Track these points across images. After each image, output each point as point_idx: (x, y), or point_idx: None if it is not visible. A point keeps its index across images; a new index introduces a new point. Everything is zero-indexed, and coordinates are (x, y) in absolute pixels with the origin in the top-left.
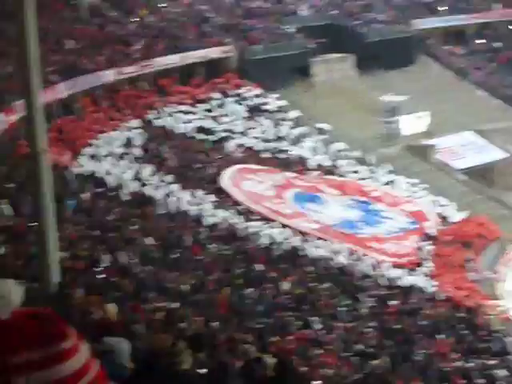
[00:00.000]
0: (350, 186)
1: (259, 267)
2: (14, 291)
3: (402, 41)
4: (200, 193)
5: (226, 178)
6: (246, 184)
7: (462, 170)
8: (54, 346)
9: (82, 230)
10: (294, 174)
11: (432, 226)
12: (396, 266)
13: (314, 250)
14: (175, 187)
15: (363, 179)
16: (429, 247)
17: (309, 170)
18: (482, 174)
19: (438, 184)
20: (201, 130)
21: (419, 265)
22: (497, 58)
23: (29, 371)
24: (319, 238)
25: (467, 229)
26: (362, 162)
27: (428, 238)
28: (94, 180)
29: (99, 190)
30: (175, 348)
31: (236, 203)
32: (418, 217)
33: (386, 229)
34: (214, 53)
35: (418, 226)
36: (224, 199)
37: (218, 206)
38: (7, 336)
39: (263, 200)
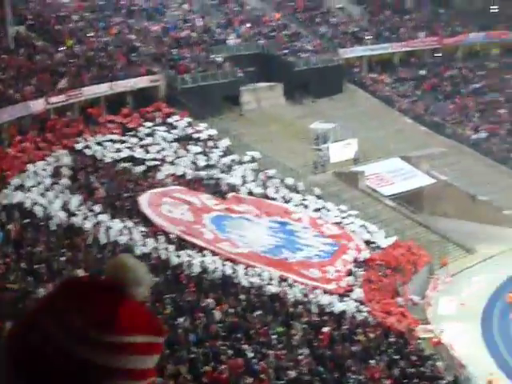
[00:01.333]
0: (271, 207)
1: (191, 296)
2: (148, 281)
3: (329, 69)
4: (130, 222)
5: (145, 204)
6: (164, 208)
7: (390, 196)
8: (156, 337)
9: (10, 262)
10: (211, 197)
11: (361, 252)
12: (327, 292)
13: (246, 277)
14: (104, 217)
15: (293, 205)
16: (359, 273)
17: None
18: (409, 200)
19: (367, 210)
20: (130, 159)
21: (350, 291)
22: (422, 86)
23: (133, 352)
24: (248, 266)
25: (396, 254)
26: (292, 189)
27: (358, 263)
28: (21, 211)
29: (27, 220)
30: None
31: (165, 232)
32: (345, 242)
33: (311, 254)
34: (142, 82)
35: (345, 251)
36: (153, 228)
37: (148, 235)
38: (123, 317)
39: (182, 225)
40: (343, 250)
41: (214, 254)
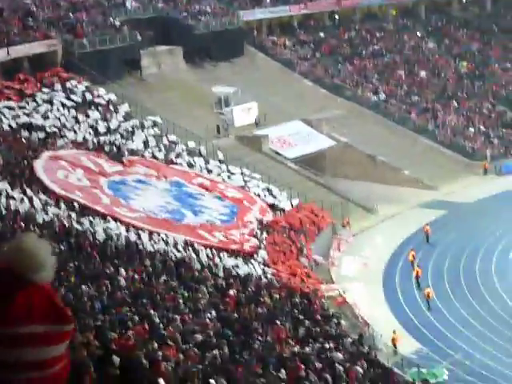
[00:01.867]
0: (171, 170)
1: (95, 263)
2: (51, 261)
3: (229, 33)
4: (29, 190)
5: (40, 169)
6: (60, 173)
7: (292, 158)
8: (59, 326)
9: None
10: (108, 160)
11: (265, 215)
12: (232, 255)
13: (150, 243)
14: (3, 185)
15: (196, 170)
16: (263, 235)
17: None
18: (311, 163)
19: (270, 173)
20: (29, 126)
21: (254, 253)
22: (321, 48)
23: (31, 343)
24: (150, 231)
25: (299, 216)
26: (194, 153)
27: (262, 226)
28: None
29: None
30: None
31: (68, 198)
32: (247, 205)
33: (213, 217)
34: (39, 47)
35: (248, 213)
36: (55, 195)
37: (49, 203)
38: (19, 306)
39: (79, 190)
40: (246, 212)
41: (113, 219)
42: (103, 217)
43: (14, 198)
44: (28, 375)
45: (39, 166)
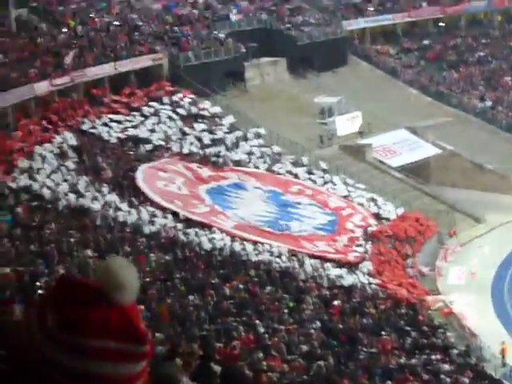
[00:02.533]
0: (268, 177)
1: (201, 274)
2: (134, 286)
3: (332, 42)
4: (136, 201)
5: (140, 180)
6: (160, 183)
7: (397, 167)
8: (136, 346)
9: (20, 245)
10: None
11: (370, 225)
12: (336, 265)
13: (254, 253)
14: (112, 197)
15: (299, 179)
16: (368, 245)
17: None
18: (416, 171)
19: (374, 182)
20: (135, 139)
21: (359, 263)
22: (426, 56)
23: (103, 357)
24: (253, 241)
25: (405, 225)
26: (297, 164)
27: (366, 236)
28: (29, 194)
29: (35, 203)
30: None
31: (167, 208)
32: (351, 215)
33: (314, 227)
34: (145, 61)
35: (351, 223)
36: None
37: (156, 214)
38: (95, 320)
39: (179, 199)
40: (347, 221)
41: (212, 228)
42: (207, 227)
43: (121, 209)
44: None
45: (139, 176)
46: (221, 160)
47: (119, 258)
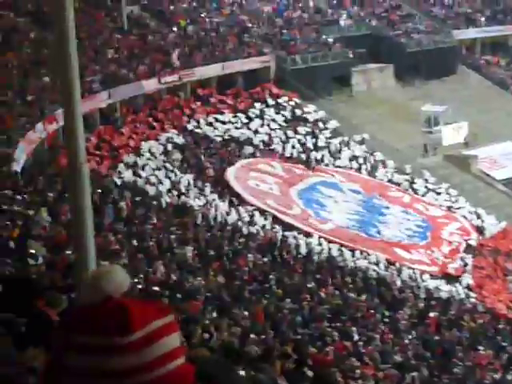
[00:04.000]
0: (366, 181)
1: (297, 277)
2: (126, 278)
3: (441, 51)
4: (237, 201)
5: (232, 179)
6: (252, 182)
7: (502, 180)
8: (168, 317)
9: (121, 240)
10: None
11: (471, 237)
12: (434, 276)
13: (351, 259)
14: (214, 196)
15: (400, 187)
16: (469, 258)
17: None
18: None
19: (478, 194)
20: (239, 140)
21: (459, 276)
22: None
23: (160, 336)
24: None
25: (507, 240)
26: (401, 172)
27: (468, 248)
28: (133, 189)
29: (138, 198)
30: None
31: (259, 208)
32: (452, 226)
33: (407, 235)
34: (253, 63)
35: (443, 233)
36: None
37: (256, 214)
38: (82, 317)
39: (271, 199)
40: (444, 231)
41: (304, 232)
42: (302, 230)
43: (221, 208)
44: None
45: (231, 174)
46: (320, 163)
47: (95, 271)
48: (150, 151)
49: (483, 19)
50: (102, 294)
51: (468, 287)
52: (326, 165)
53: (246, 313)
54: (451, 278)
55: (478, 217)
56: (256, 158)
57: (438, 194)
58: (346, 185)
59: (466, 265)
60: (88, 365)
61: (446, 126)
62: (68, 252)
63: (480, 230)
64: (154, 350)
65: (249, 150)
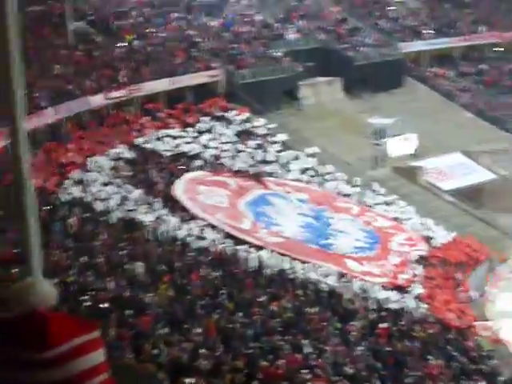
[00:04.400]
0: (315, 193)
1: (248, 291)
2: (52, 292)
3: (389, 64)
4: (188, 216)
5: (181, 193)
6: (202, 196)
7: (450, 191)
8: (91, 334)
9: (70, 256)
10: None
11: (420, 248)
12: (385, 287)
13: (302, 272)
14: (164, 212)
15: (348, 199)
16: (418, 269)
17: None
18: (470, 196)
19: (426, 205)
20: (188, 154)
21: (408, 286)
22: (483, 80)
23: (79, 354)
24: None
25: (456, 250)
26: (351, 184)
27: (417, 259)
28: (81, 205)
29: (87, 215)
30: (156, 377)
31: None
32: (399, 237)
33: (354, 246)
34: (201, 77)
35: (391, 244)
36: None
37: (206, 229)
38: (33, 333)
39: (221, 213)
40: (393, 243)
41: (255, 245)
42: (252, 244)
43: (171, 223)
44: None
45: (179, 188)
46: (271, 177)
47: (20, 284)
48: (97, 167)
49: (429, 32)
50: (25, 306)
51: (418, 298)
52: (277, 177)
53: (198, 328)
54: (402, 289)
55: (427, 228)
56: (204, 171)
57: (388, 205)
58: (295, 197)
59: (416, 275)
60: (10, 378)
61: (393, 138)
62: (15, 270)
63: (429, 241)
64: (77, 365)
65: (198, 164)
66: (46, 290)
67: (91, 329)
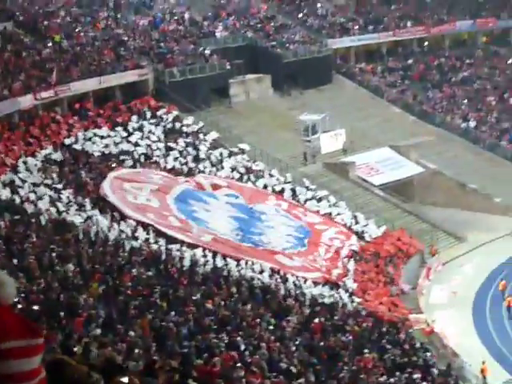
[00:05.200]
0: (243, 189)
1: (182, 289)
2: (12, 283)
3: (317, 60)
4: (119, 216)
5: (109, 193)
6: (129, 196)
7: (380, 185)
8: (34, 339)
9: (1, 258)
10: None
11: (352, 242)
12: (317, 282)
13: (236, 269)
14: (94, 212)
15: (284, 197)
16: (350, 263)
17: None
18: (399, 189)
19: (357, 200)
20: (119, 153)
21: (341, 281)
22: (410, 75)
23: (13, 356)
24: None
25: (387, 244)
26: (281, 180)
27: (348, 254)
28: (11, 207)
29: (17, 217)
30: (90, 379)
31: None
32: (332, 232)
33: (281, 238)
34: (130, 76)
35: (322, 238)
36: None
37: (138, 228)
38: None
39: (151, 212)
40: (323, 237)
41: (188, 244)
42: (183, 242)
43: (103, 223)
44: None
45: (106, 187)
46: (201, 174)
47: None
48: (27, 168)
49: (356, 28)
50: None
51: (351, 292)
52: (208, 175)
53: (132, 328)
54: (334, 284)
55: (358, 222)
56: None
57: (319, 200)
58: (225, 194)
59: (348, 270)
60: None
61: (323, 134)
62: None
63: (360, 235)
64: (6, 367)
65: (129, 163)
66: (7, 289)
67: (34, 334)
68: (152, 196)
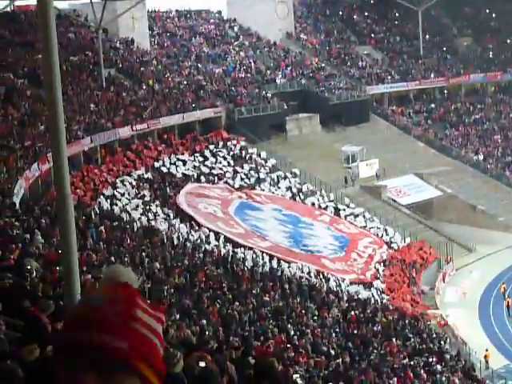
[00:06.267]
0: (293, 204)
1: (244, 285)
2: (135, 278)
3: (357, 103)
4: (196, 225)
5: (186, 206)
6: (201, 206)
7: (406, 205)
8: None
9: (102, 257)
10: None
11: (383, 251)
12: (354, 282)
13: (288, 270)
14: (176, 221)
15: (328, 213)
16: (380, 267)
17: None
18: (422, 209)
19: (388, 216)
20: (197, 175)
21: (373, 281)
22: (432, 116)
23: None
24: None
25: (411, 253)
26: (326, 199)
27: (380, 260)
28: (110, 216)
29: (115, 223)
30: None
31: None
32: (366, 242)
33: (323, 246)
34: (207, 113)
35: (358, 247)
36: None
37: (210, 235)
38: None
39: (219, 221)
40: (357, 245)
41: (249, 248)
42: (247, 247)
43: (183, 230)
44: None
45: (182, 201)
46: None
47: (113, 267)
48: (124, 185)
49: (390, 77)
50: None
51: (381, 291)
52: (268, 193)
53: (204, 314)
54: (367, 284)
55: (387, 234)
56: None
57: (356, 216)
58: (280, 208)
59: (378, 273)
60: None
61: (361, 163)
62: (58, 268)
63: (389, 245)
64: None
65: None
66: (132, 275)
67: (160, 310)
68: (217, 208)
